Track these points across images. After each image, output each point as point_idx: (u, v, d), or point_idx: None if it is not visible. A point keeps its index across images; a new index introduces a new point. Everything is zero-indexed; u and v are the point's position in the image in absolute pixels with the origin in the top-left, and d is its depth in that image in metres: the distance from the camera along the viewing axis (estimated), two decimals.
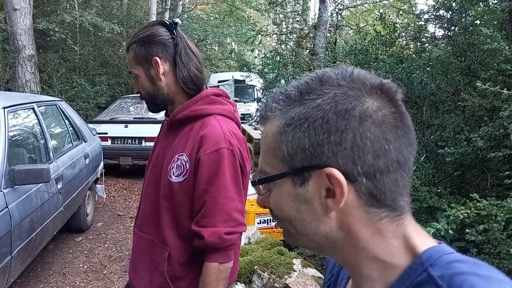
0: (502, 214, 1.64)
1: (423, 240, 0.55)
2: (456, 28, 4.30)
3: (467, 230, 1.78)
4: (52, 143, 3.84)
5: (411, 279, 0.52)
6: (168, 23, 1.40)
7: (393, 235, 0.55)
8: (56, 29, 10.04)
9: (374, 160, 0.52)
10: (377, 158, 0.52)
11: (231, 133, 1.33)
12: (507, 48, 2.33)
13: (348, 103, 0.53)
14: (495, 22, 3.91)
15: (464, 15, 4.19)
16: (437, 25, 4.63)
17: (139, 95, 1.44)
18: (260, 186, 0.61)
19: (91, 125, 6.12)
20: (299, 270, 3.07)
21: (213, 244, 1.27)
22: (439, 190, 3.08)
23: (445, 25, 4.38)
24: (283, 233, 0.63)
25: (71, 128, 4.60)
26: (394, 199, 0.54)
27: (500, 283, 0.48)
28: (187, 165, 1.31)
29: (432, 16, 4.50)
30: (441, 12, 4.37)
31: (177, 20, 1.43)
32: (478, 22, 4.02)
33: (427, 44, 4.83)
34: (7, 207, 2.68)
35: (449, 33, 4.45)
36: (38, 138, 3.69)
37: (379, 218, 0.54)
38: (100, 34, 12.28)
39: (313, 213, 0.56)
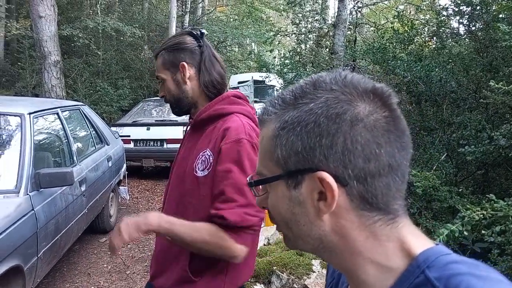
0: None
1: (419, 241, 0.55)
2: (478, 24, 4.20)
3: (483, 232, 1.74)
4: (75, 146, 3.95)
5: (409, 282, 0.51)
6: (195, 33, 1.50)
7: (388, 238, 0.55)
8: (80, 35, 10.32)
9: (364, 164, 0.53)
10: (368, 162, 0.53)
11: (251, 127, 1.39)
12: None
13: (340, 107, 0.54)
14: None
15: (485, 10, 4.08)
16: (458, 21, 4.53)
17: (163, 98, 1.53)
18: (259, 187, 0.63)
19: (114, 128, 6.25)
20: (318, 271, 3.07)
21: (234, 222, 1.26)
22: (460, 190, 3.01)
23: (466, 21, 4.28)
24: (283, 239, 0.64)
25: (94, 132, 4.71)
26: (387, 203, 0.55)
27: (498, 283, 0.48)
28: (211, 158, 1.37)
29: (452, 12, 4.41)
30: (462, 7, 4.28)
31: (204, 30, 1.53)
32: (501, 16, 3.91)
33: (449, 40, 4.73)
34: (33, 209, 2.77)
35: (470, 29, 4.35)
36: (62, 142, 3.80)
37: (372, 222, 0.55)
38: (122, 38, 12.53)
39: (307, 216, 0.56)
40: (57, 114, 3.88)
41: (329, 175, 0.53)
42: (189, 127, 1.58)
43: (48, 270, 3.25)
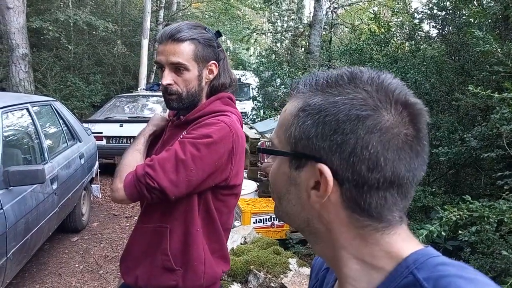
0: (494, 216, 1.66)
1: (410, 245, 0.55)
2: (450, 28, 4.32)
3: (459, 232, 1.80)
4: (47, 143, 3.83)
5: (397, 282, 0.52)
6: (212, 31, 1.45)
7: (377, 242, 0.55)
8: (50, 28, 9.98)
9: (366, 172, 0.52)
10: (370, 172, 0.52)
11: (238, 124, 1.40)
12: (499, 50, 2.35)
13: (363, 111, 0.53)
14: (490, 21, 3.92)
15: (458, 14, 4.21)
16: (431, 24, 4.65)
17: (166, 87, 1.39)
18: (264, 155, 0.65)
19: (85, 125, 6.09)
20: (295, 270, 3.08)
21: (138, 168, 1.33)
22: (433, 189, 3.10)
23: (439, 25, 4.40)
24: (274, 207, 0.66)
25: (65, 128, 4.58)
26: (381, 213, 0.54)
27: (485, 285, 0.48)
28: (184, 135, 1.36)
29: (425, 16, 4.52)
30: (435, 11, 4.39)
31: (220, 31, 1.50)
32: (472, 20, 4.04)
33: (422, 43, 4.85)
34: (2, 208, 2.67)
35: (443, 32, 4.47)
36: (33, 139, 3.67)
37: (361, 225, 0.55)
38: (94, 32, 12.23)
39: (299, 198, 0.58)
40: (27, 109, 3.75)
41: (329, 170, 0.53)
42: (169, 124, 1.53)
43: (18, 271, 3.14)
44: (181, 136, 1.38)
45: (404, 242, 0.55)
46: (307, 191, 0.56)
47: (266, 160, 0.66)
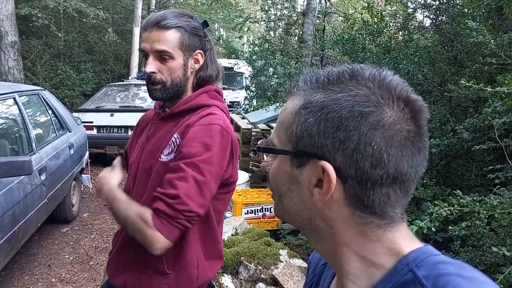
0: (484, 212, 1.66)
1: (410, 243, 0.56)
2: (444, 17, 4.29)
3: (450, 227, 1.80)
4: (34, 133, 3.77)
5: (396, 279, 0.52)
6: (198, 20, 1.41)
7: (379, 239, 0.55)
8: (39, 15, 9.78)
9: (369, 169, 0.52)
10: (373, 168, 0.52)
11: (228, 122, 1.37)
12: (492, 41, 2.33)
13: (366, 107, 0.52)
14: (483, 11, 3.90)
15: (451, 3, 4.18)
16: (424, 14, 4.61)
17: (150, 75, 1.34)
18: (264, 154, 0.64)
19: (76, 114, 6.03)
20: (286, 261, 3.08)
21: (161, 209, 1.21)
22: (424, 181, 3.10)
23: (433, 14, 4.36)
24: (274, 206, 0.65)
25: (54, 118, 4.51)
26: (383, 209, 0.55)
27: (483, 284, 0.49)
28: (178, 141, 1.30)
29: (419, 5, 4.48)
30: (429, 0, 4.35)
31: (211, 19, 1.45)
32: (466, 10, 4.01)
33: (415, 33, 4.81)
34: None
35: (436, 22, 4.44)
36: (20, 129, 3.61)
37: (364, 222, 0.55)
38: (84, 20, 12.02)
39: (301, 196, 0.57)
40: (14, 99, 3.68)
41: (332, 167, 0.53)
42: (154, 117, 1.47)
43: (6, 263, 3.11)
44: (174, 140, 1.32)
45: (405, 240, 0.56)
46: (309, 189, 0.56)
47: (265, 159, 0.64)
